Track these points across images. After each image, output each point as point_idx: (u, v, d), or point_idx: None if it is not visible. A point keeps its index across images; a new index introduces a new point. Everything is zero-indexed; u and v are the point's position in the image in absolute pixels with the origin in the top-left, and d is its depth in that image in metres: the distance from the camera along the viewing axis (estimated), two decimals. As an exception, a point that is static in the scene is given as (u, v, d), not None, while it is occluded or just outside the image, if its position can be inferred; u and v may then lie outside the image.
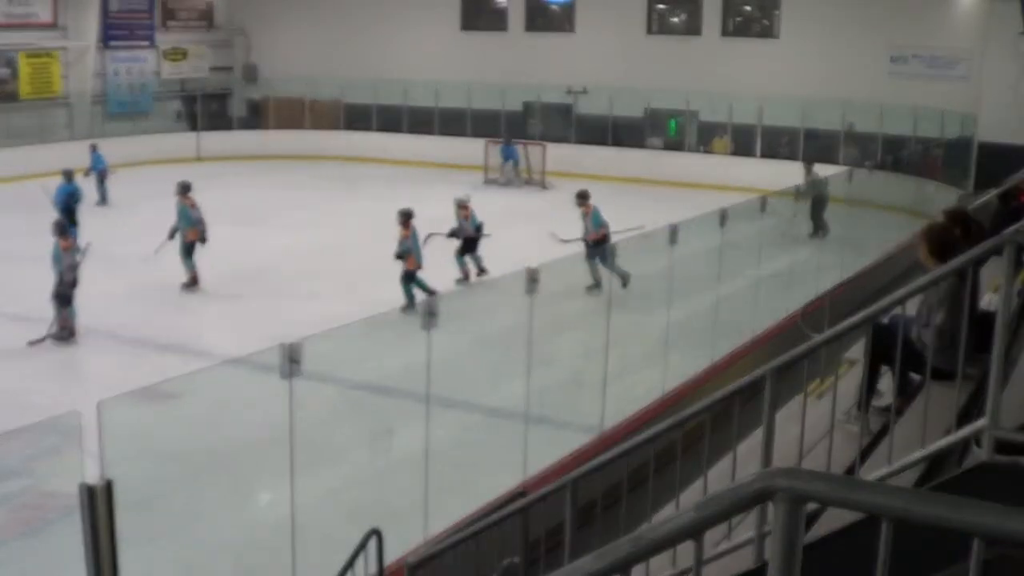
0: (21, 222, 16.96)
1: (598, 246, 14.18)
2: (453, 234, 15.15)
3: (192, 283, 14.49)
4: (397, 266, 15.98)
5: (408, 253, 13.69)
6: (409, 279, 13.66)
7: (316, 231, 18.91)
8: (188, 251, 14.47)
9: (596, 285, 13.73)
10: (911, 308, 4.83)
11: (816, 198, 18.47)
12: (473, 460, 9.13)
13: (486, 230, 15.41)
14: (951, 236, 5.35)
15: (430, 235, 14.55)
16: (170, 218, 15.08)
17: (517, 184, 24.38)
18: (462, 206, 15.41)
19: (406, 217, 13.95)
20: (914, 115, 22.11)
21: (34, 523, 7.69)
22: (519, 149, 25.07)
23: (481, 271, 15.19)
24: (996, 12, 20.11)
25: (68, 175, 17.10)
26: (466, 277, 15.05)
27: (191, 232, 14.44)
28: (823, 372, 5.19)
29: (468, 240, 15.16)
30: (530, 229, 19.30)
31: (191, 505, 7.69)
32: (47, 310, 12.72)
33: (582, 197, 14.98)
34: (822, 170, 18.54)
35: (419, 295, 13.26)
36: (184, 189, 15.03)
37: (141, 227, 16.88)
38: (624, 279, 12.93)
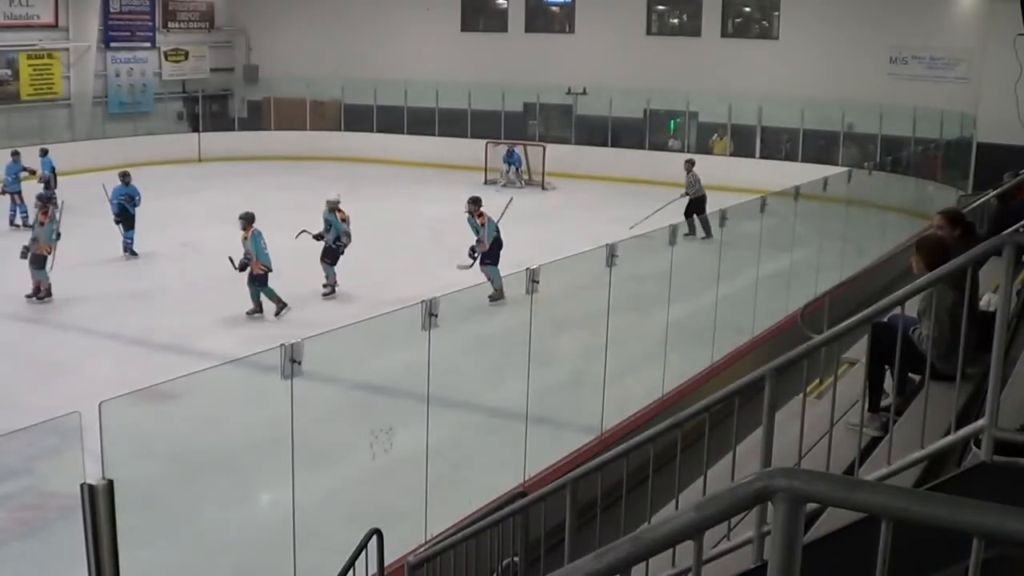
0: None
1: (494, 254, 14.00)
2: (319, 236, 14.62)
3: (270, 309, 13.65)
4: (397, 267, 16.02)
5: (251, 258, 13.34)
6: (256, 283, 13.36)
7: (316, 231, 18.88)
8: (257, 281, 13.56)
9: (499, 294, 13.21)
10: (911, 308, 4.84)
11: (695, 199, 18.80)
12: (473, 460, 9.14)
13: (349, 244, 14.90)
14: (944, 246, 5.36)
15: (302, 232, 14.55)
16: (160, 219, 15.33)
17: (517, 186, 24.37)
18: (334, 208, 14.72)
19: (247, 221, 13.64)
20: (913, 115, 22.12)
21: (34, 523, 7.69)
22: (520, 151, 25.09)
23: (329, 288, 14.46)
24: (996, 12, 20.09)
25: (125, 177, 16.78)
26: (332, 290, 14.42)
27: (257, 265, 13.54)
28: (823, 372, 5.20)
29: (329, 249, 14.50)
30: (530, 229, 19.33)
31: (192, 505, 7.69)
32: (43, 309, 12.76)
33: (474, 203, 14.48)
34: (822, 170, 18.53)
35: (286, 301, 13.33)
36: (248, 221, 13.99)
37: (141, 227, 16.89)
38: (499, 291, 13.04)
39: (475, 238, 14.27)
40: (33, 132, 24.65)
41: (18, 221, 18.40)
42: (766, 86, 24.15)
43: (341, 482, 8.40)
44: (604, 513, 4.74)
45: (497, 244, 14.24)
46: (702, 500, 1.97)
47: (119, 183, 16.69)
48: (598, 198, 23.08)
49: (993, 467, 3.25)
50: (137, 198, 16.68)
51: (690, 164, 19.41)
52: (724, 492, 1.91)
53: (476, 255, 14.21)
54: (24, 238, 14.57)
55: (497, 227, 14.36)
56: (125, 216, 16.43)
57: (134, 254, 16.37)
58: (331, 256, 14.51)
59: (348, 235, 14.60)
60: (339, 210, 14.67)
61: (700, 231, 17.12)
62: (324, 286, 14.42)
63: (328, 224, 14.64)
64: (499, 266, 13.93)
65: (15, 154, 19.23)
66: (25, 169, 18.97)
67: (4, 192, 18.40)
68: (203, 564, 7.24)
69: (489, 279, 13.51)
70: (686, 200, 19.00)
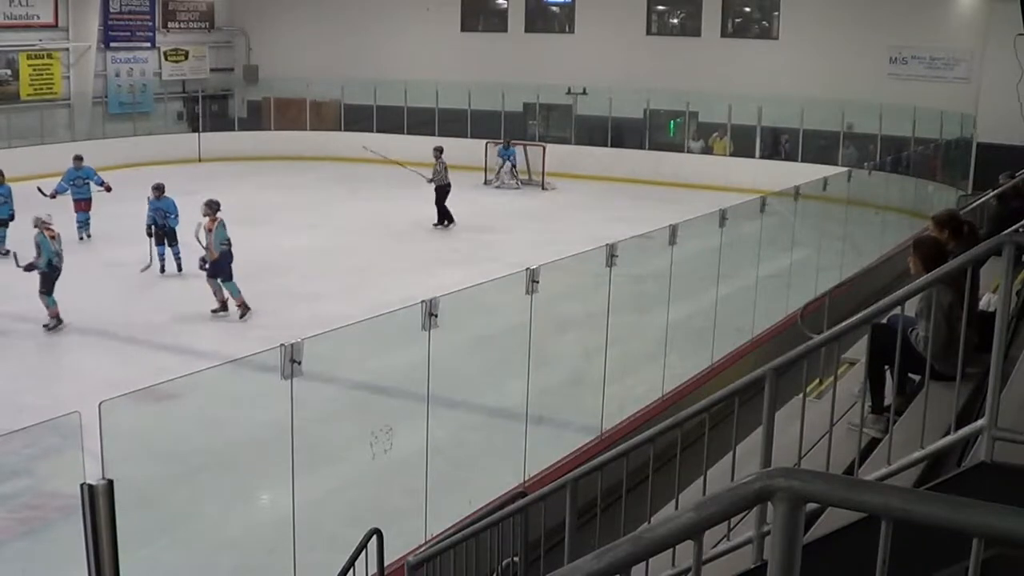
0: (20, 221, 16.92)
1: (223, 264, 13.18)
2: (29, 267, 12.77)
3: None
4: (397, 267, 16.02)
5: (210, 247, 13.22)
6: (219, 276, 13.22)
7: (316, 231, 18.92)
8: (221, 275, 13.43)
9: (222, 308, 13.13)
10: (910, 309, 4.84)
11: (439, 187, 19.02)
12: (473, 460, 9.14)
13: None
14: (941, 246, 5.36)
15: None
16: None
17: (513, 186, 24.37)
18: (42, 227, 12.76)
19: (213, 209, 13.51)
20: (913, 115, 22.11)
21: (34, 523, 7.69)
22: (519, 150, 25.07)
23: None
24: (996, 12, 20.10)
25: (158, 189, 15.53)
26: (223, 307, 13.31)
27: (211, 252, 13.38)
28: (823, 372, 5.20)
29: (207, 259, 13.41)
30: (530, 229, 19.34)
31: (192, 505, 7.70)
32: (42, 310, 12.75)
33: (210, 207, 13.53)
34: (822, 170, 18.54)
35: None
36: (214, 208, 13.85)
37: (138, 227, 16.88)
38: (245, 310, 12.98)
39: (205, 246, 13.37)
40: (33, 132, 24.67)
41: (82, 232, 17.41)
42: (766, 86, 24.15)
43: (341, 482, 8.40)
44: (604, 513, 4.74)
45: (226, 257, 13.21)
46: (702, 500, 1.97)
47: (151, 196, 15.55)
48: (598, 198, 23.08)
49: (993, 467, 3.25)
50: (170, 212, 15.37)
51: (439, 151, 19.49)
52: (724, 492, 1.91)
53: (206, 264, 13.30)
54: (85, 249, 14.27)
55: (227, 239, 13.32)
56: (160, 231, 15.33)
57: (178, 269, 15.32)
58: (46, 284, 12.59)
59: (59, 255, 12.80)
60: (48, 228, 12.83)
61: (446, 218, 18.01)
62: (240, 306, 13.28)
63: (38, 248, 12.66)
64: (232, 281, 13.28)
65: (78, 159, 18.01)
66: (102, 183, 17.75)
67: (54, 196, 16.87)
68: (203, 564, 7.24)
69: (214, 292, 13.14)
70: (432, 188, 19.18)
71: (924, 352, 4.46)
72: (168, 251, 15.44)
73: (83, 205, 17.61)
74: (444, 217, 19.24)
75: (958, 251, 4.85)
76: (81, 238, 17.45)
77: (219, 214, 13.47)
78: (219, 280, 13.27)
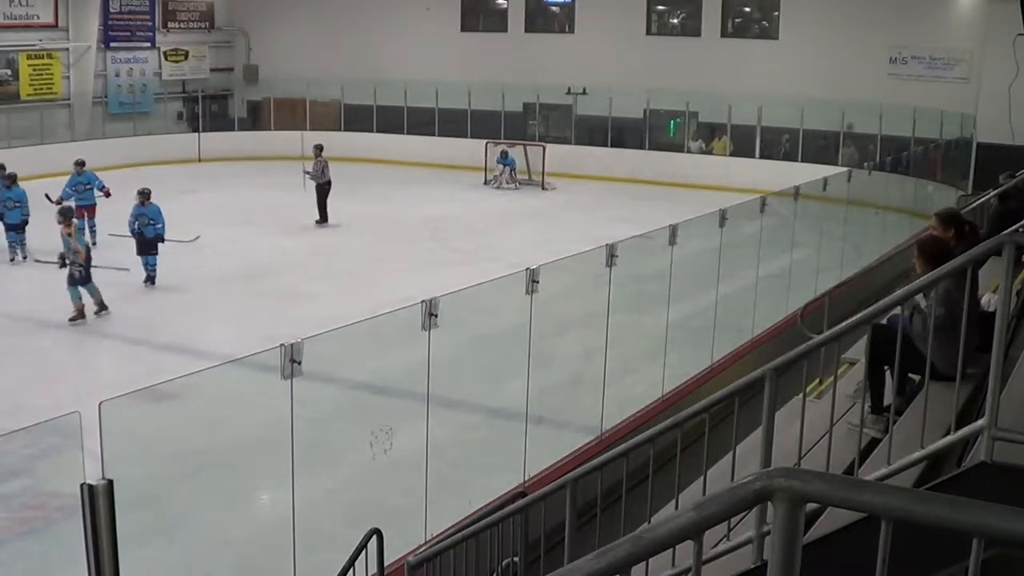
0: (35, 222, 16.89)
1: (87, 269, 12.99)
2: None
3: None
4: (397, 267, 16.02)
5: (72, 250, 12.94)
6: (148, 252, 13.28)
7: (316, 231, 18.93)
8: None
9: (79, 315, 12.80)
10: (910, 309, 4.83)
11: (320, 184, 19.08)
12: (473, 460, 9.14)
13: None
14: (945, 244, 5.35)
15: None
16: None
17: (512, 188, 24.37)
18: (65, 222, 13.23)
19: (144, 196, 13.77)
20: (913, 115, 22.11)
21: (34, 523, 7.69)
22: (519, 150, 25.09)
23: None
24: (996, 13, 20.09)
25: (143, 195, 15.05)
26: (81, 315, 12.95)
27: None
28: (823, 372, 5.20)
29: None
30: (530, 229, 19.34)
31: (192, 505, 7.70)
32: (43, 310, 12.76)
33: (64, 215, 13.46)
34: (822, 170, 18.55)
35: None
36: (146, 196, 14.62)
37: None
38: (101, 307, 12.85)
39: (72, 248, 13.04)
40: (33, 132, 24.67)
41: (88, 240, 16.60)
42: (766, 86, 24.16)
43: (341, 482, 8.41)
44: (604, 513, 4.74)
45: (88, 262, 13.09)
46: (702, 500, 1.97)
47: (136, 200, 15.14)
48: (598, 198, 23.09)
49: (993, 467, 3.25)
50: (149, 219, 14.81)
51: (319, 149, 19.50)
52: (724, 492, 1.91)
53: (67, 265, 12.93)
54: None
55: (86, 244, 13.40)
56: (141, 240, 14.86)
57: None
58: (70, 278, 12.92)
59: (75, 251, 12.99)
60: (67, 224, 13.22)
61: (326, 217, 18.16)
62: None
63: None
64: (92, 283, 13.07)
65: (79, 163, 17.53)
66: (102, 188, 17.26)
67: (59, 202, 16.37)
68: (203, 564, 7.25)
69: (73, 298, 12.85)
70: (313, 186, 19.21)
71: (924, 337, 4.42)
72: (149, 260, 14.75)
73: (86, 212, 16.90)
74: (323, 216, 19.15)
75: (961, 250, 4.84)
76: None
77: (75, 221, 13.51)
78: (80, 287, 12.88)
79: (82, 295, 12.91)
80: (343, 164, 26.88)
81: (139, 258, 14.80)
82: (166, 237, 14.93)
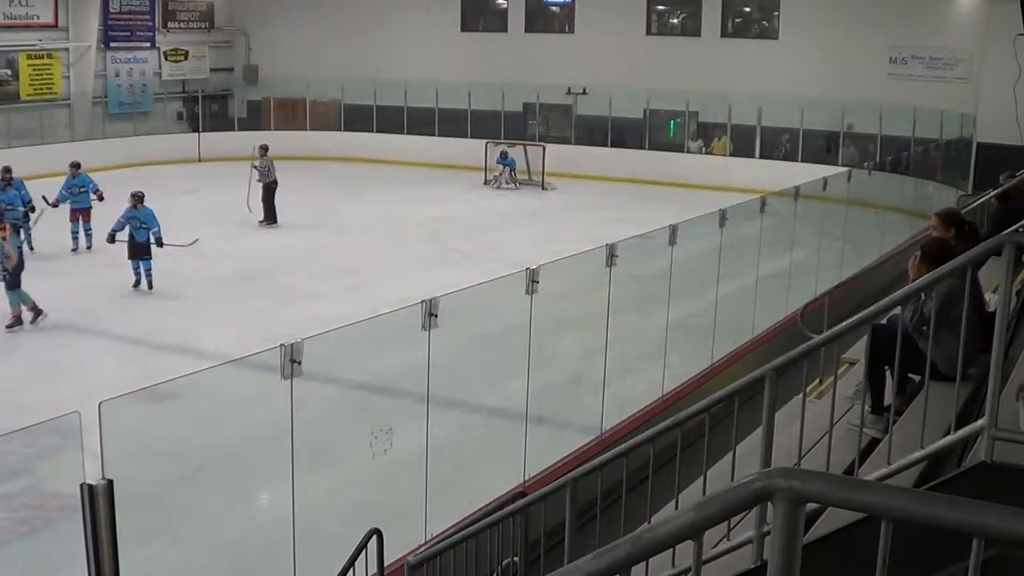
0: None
1: (18, 274, 12.72)
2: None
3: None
4: (397, 267, 16.02)
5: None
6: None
7: (316, 231, 18.93)
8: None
9: (17, 322, 12.57)
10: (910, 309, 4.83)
11: (267, 184, 19.06)
12: (473, 460, 9.13)
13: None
14: (947, 245, 5.34)
15: None
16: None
17: (513, 188, 24.37)
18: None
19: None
20: (913, 115, 22.11)
21: (34, 523, 7.69)
22: (520, 150, 25.10)
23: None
24: (996, 12, 20.09)
25: (136, 198, 14.72)
26: (18, 321, 12.68)
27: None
28: (823, 372, 5.20)
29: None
30: (530, 229, 19.34)
31: (191, 505, 7.69)
32: (47, 311, 12.76)
33: None
34: (822, 170, 18.54)
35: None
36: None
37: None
38: (37, 313, 12.56)
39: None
40: (33, 132, 24.67)
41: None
42: (766, 86, 24.16)
43: (341, 482, 8.40)
44: (604, 513, 4.73)
45: (20, 266, 12.78)
46: (702, 500, 1.97)
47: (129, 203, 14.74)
48: (598, 198, 23.09)
49: (993, 467, 3.25)
50: (153, 227, 14.52)
51: (264, 149, 19.58)
52: (724, 492, 1.91)
53: (6, 274, 12.68)
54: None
55: (19, 247, 13.17)
56: (133, 245, 14.56)
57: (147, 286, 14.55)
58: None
59: (7, 256, 12.65)
60: (2, 228, 12.93)
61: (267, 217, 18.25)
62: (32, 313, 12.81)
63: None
64: (23, 288, 12.77)
65: (74, 165, 17.37)
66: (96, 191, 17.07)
67: (56, 205, 16.58)
68: (203, 564, 7.24)
69: (12, 303, 12.61)
70: (260, 186, 19.21)
71: (926, 337, 4.41)
72: (143, 264, 14.50)
73: (81, 215, 16.80)
74: (269, 216, 19.13)
75: (962, 250, 4.83)
76: (75, 248, 16.74)
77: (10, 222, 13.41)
78: (12, 290, 12.68)
79: (19, 300, 12.66)
80: (343, 164, 26.99)
81: (131, 264, 14.56)
82: (164, 241, 14.75)
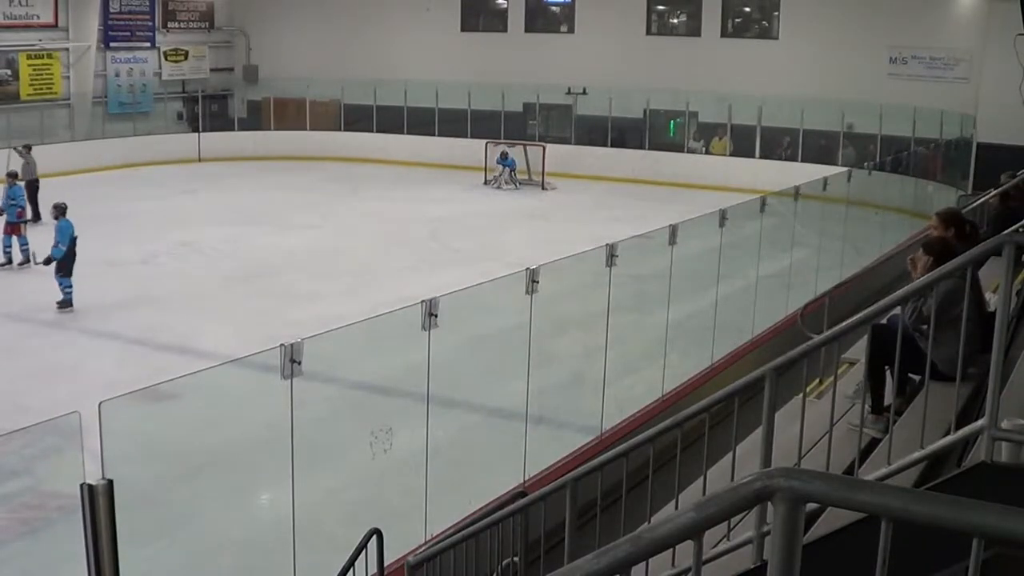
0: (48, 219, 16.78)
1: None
2: None
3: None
4: (397, 266, 16.02)
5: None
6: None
7: (316, 231, 18.93)
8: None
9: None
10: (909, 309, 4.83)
11: (30, 183, 18.66)
12: (473, 460, 9.13)
13: None
14: (949, 244, 5.34)
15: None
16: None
17: (513, 188, 24.37)
18: None
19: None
20: (913, 116, 22.12)
21: (34, 523, 7.69)
22: (520, 150, 25.10)
23: None
24: (996, 13, 20.10)
25: (58, 209, 14.00)
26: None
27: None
28: (823, 372, 5.20)
29: None
30: (530, 229, 19.34)
31: (191, 505, 7.69)
32: (43, 310, 12.76)
33: None
34: (822, 170, 18.54)
35: None
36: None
37: (139, 227, 16.88)
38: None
39: None
40: (33, 132, 24.67)
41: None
42: (766, 86, 24.16)
43: (341, 482, 8.40)
44: (604, 513, 4.73)
45: None
46: (702, 500, 1.96)
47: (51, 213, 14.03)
48: (598, 198, 23.09)
49: (993, 467, 3.25)
50: (61, 243, 13.48)
51: (27, 148, 19.64)
52: (724, 492, 1.91)
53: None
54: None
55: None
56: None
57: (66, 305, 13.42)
58: None
59: None
60: None
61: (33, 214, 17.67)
62: None
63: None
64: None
65: (11, 175, 16.66)
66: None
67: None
68: (203, 564, 7.24)
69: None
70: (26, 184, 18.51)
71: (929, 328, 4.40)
72: (60, 281, 13.46)
73: (10, 228, 15.72)
74: (35, 212, 18.44)
75: (962, 250, 4.83)
76: (8, 263, 15.58)
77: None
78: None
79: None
80: (343, 164, 27.00)
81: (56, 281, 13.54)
82: (52, 258, 13.52)
